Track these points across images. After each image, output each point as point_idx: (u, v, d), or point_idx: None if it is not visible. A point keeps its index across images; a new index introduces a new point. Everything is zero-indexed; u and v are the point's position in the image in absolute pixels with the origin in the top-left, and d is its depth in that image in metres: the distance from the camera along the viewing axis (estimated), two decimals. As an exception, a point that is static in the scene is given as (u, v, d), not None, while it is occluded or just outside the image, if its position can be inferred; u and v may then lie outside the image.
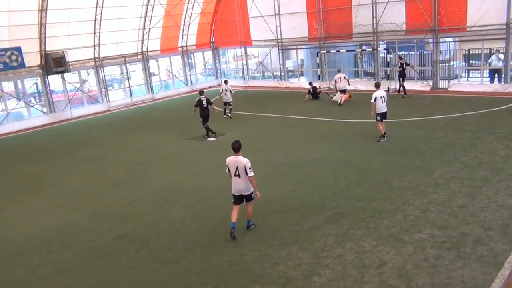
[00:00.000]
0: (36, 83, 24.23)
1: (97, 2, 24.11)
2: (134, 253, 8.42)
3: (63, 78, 24.78)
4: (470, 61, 22.86)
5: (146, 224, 9.73)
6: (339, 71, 22.33)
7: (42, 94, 24.59)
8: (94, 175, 13.90)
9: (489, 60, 21.51)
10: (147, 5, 26.97)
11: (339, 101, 21.14)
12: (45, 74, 23.72)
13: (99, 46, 25.65)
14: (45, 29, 22.61)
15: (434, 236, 7.78)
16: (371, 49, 24.44)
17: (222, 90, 20.58)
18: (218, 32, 32.34)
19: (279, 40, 28.16)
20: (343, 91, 21.29)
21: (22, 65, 22.32)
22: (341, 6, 24.57)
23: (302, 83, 28.52)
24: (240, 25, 29.92)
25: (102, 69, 26.44)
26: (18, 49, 21.97)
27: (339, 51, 25.73)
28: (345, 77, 21.43)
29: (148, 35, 28.19)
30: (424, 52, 23.54)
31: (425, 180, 10.43)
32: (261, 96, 26.65)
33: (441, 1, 21.04)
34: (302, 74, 30.33)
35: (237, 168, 8.29)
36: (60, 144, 18.92)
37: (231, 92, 20.54)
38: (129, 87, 28.27)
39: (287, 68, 29.90)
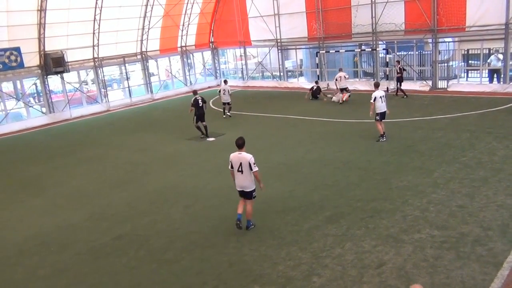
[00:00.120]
0: (35, 83, 24.21)
1: (96, 2, 24.10)
2: (133, 253, 8.42)
3: (62, 78, 24.76)
4: (469, 61, 22.87)
5: (146, 224, 9.73)
6: (340, 70, 22.44)
7: (41, 94, 24.57)
8: (93, 175, 13.90)
9: (488, 60, 21.52)
10: (146, 5, 26.96)
11: (339, 101, 21.28)
12: (44, 74, 23.71)
13: (98, 46, 25.63)
14: (44, 29, 22.59)
15: (433, 236, 7.79)
16: (370, 49, 24.46)
17: (220, 90, 20.62)
18: (217, 32, 32.34)
19: (278, 40, 28.16)
20: (344, 90, 21.44)
21: (21, 65, 22.30)
22: (340, 6, 24.57)
23: (302, 83, 28.57)
24: (239, 25, 29.91)
25: (101, 69, 26.42)
26: (17, 49, 21.95)
27: (338, 51, 25.74)
28: (345, 76, 21.55)
29: (147, 35, 28.18)
30: (423, 52, 23.55)
31: (424, 180, 10.44)
32: (260, 96, 26.64)
33: (440, 1, 21.05)
34: (301, 74, 30.34)
35: (240, 164, 8.37)
36: (59, 144, 18.91)
37: (229, 92, 20.61)
38: (128, 87, 28.26)
39: (286, 68, 29.90)
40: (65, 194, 12.37)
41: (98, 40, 25.36)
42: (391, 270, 6.88)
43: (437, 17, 21.29)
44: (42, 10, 22.03)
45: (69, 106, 25.22)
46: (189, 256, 8.09)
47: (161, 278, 7.45)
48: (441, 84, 22.44)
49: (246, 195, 8.66)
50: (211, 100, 25.84)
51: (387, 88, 21.42)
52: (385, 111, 13.97)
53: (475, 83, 21.77)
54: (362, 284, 6.64)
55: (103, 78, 26.64)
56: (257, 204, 9.47)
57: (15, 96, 23.65)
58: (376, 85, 14.29)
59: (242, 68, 32.23)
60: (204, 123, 16.96)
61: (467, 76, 23.09)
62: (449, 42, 22.99)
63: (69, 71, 24.20)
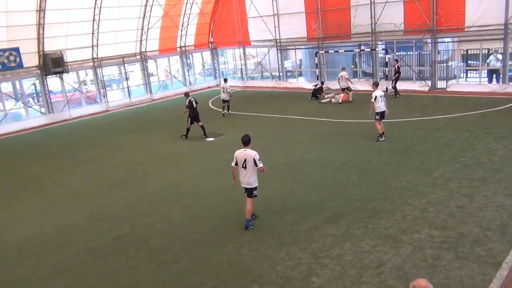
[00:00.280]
0: (34, 84, 24.20)
1: (96, 3, 24.08)
2: (133, 254, 8.42)
3: (61, 78, 24.75)
4: (469, 61, 22.88)
5: (145, 224, 9.73)
6: (343, 69, 22.52)
7: (40, 94, 24.54)
8: (92, 175, 13.89)
9: (488, 60, 21.54)
10: (146, 6, 26.94)
11: (338, 101, 21.35)
12: (43, 75, 23.69)
13: (97, 46, 25.61)
14: (43, 30, 22.57)
15: (432, 236, 7.79)
16: (369, 49, 24.47)
17: (221, 88, 20.83)
18: (217, 32, 32.33)
19: (278, 40, 28.17)
20: (345, 89, 21.57)
21: (20, 65, 22.27)
22: (339, 6, 24.57)
23: (301, 83, 28.57)
24: (238, 26, 29.91)
25: (100, 69, 26.41)
26: (16, 49, 21.91)
27: (338, 51, 25.76)
28: (346, 76, 21.65)
29: (147, 36, 28.16)
30: (423, 52, 23.58)
31: (423, 180, 10.45)
32: (259, 96, 26.64)
33: (440, 1, 21.07)
34: (300, 74, 30.33)
35: (245, 160, 8.56)
36: (58, 145, 18.90)
37: (228, 90, 20.73)
38: (128, 87, 28.25)
39: (285, 68, 29.89)
40: (64, 194, 12.37)
41: (97, 40, 25.34)
42: (390, 270, 6.88)
43: (436, 17, 21.31)
44: (41, 10, 22.00)
45: (68, 106, 25.19)
46: (189, 256, 8.09)
47: (161, 278, 7.45)
48: (440, 84, 22.46)
49: (248, 192, 8.77)
50: (210, 100, 25.88)
51: (387, 88, 21.44)
52: (384, 111, 14.00)
53: (474, 83, 21.78)
54: (361, 284, 6.64)
55: (102, 78, 26.61)
56: (256, 204, 9.48)
57: (14, 97, 23.63)
58: (376, 85, 14.32)
59: (241, 68, 32.22)
60: (200, 123, 17.00)
61: (466, 76, 23.09)
62: (448, 42, 23.02)
63: (68, 72, 24.19)
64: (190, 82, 31.88)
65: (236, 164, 8.75)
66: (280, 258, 7.63)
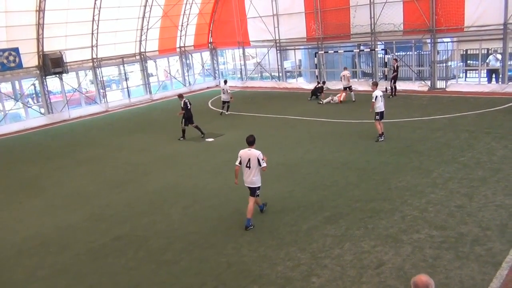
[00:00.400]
0: (34, 84, 24.18)
1: (95, 3, 24.07)
2: (132, 254, 8.42)
3: (61, 79, 24.74)
4: (468, 61, 22.90)
5: (145, 225, 9.72)
6: (345, 68, 22.57)
7: (40, 94, 24.54)
8: (92, 176, 13.89)
9: (487, 60, 21.56)
10: (145, 6, 26.94)
11: (337, 100, 21.38)
12: (42, 75, 23.68)
13: (97, 46, 25.60)
14: (42, 30, 22.57)
15: (432, 236, 7.80)
16: (369, 50, 24.48)
17: (221, 89, 20.90)
18: (216, 32, 32.34)
19: (277, 41, 28.17)
20: (348, 88, 21.66)
21: (19, 66, 22.26)
22: (339, 7, 24.59)
23: (301, 83, 28.58)
24: (238, 26, 29.92)
25: (100, 69, 26.40)
26: (16, 49, 21.91)
27: (337, 51, 25.76)
28: (347, 75, 21.76)
29: (146, 36, 28.16)
30: (422, 53, 23.59)
31: (423, 180, 10.45)
32: (259, 96, 26.64)
33: (439, 1, 21.09)
34: (300, 75, 30.34)
35: (248, 160, 8.67)
36: (58, 145, 18.89)
37: (228, 91, 20.83)
38: (127, 87, 28.24)
39: (285, 68, 29.90)
40: (64, 195, 12.36)
41: (96, 40, 25.33)
42: (390, 270, 6.88)
43: (436, 17, 21.33)
44: (40, 10, 22.00)
45: (67, 106, 25.19)
46: (188, 256, 8.09)
47: (160, 279, 7.45)
48: (440, 84, 22.48)
49: (251, 191, 8.88)
50: (210, 101, 25.88)
51: (386, 88, 21.46)
52: (383, 111, 14.02)
53: (473, 83, 21.80)
54: (361, 284, 6.64)
55: (101, 79, 26.61)
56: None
57: (13, 97, 23.62)
58: (376, 84, 14.35)
59: (241, 69, 32.22)
60: (194, 124, 17.05)
61: (466, 76, 23.11)
62: (447, 42, 23.03)
63: (67, 72, 24.18)
64: (189, 82, 31.88)
65: (240, 163, 8.83)
66: (280, 259, 7.62)
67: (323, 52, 26.11)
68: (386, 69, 23.46)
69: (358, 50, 25.43)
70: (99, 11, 24.45)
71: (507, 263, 6.74)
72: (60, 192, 12.67)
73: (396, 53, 23.55)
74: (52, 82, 25.08)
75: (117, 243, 8.98)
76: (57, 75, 24.12)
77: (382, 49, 23.80)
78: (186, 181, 12.35)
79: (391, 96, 21.15)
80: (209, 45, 32.97)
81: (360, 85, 24.44)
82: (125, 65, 28.10)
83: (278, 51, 28.63)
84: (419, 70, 23.62)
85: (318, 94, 22.96)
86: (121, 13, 25.89)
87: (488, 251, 7.13)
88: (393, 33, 22.88)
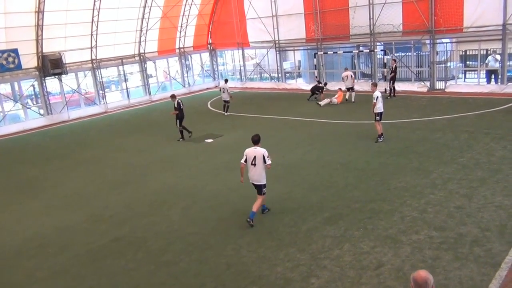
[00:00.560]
0: (33, 85, 24.17)
1: (94, 4, 24.07)
2: (131, 255, 8.41)
3: (60, 80, 24.73)
4: (467, 62, 22.92)
5: (144, 226, 9.71)
6: (346, 69, 22.58)
7: (39, 96, 24.53)
8: (91, 177, 13.88)
9: (486, 61, 21.58)
10: (144, 7, 26.94)
11: (337, 102, 21.43)
12: (42, 76, 23.67)
13: (96, 48, 25.61)
14: (42, 31, 22.57)
15: (431, 237, 7.80)
16: (368, 50, 24.49)
17: (220, 88, 20.85)
18: (216, 33, 32.35)
19: (277, 42, 28.19)
20: (350, 89, 21.70)
21: (19, 67, 22.25)
22: (338, 8, 24.61)
23: (300, 84, 28.58)
24: (237, 27, 29.94)
25: (99, 71, 26.40)
26: (15, 51, 21.91)
27: (336, 52, 25.78)
28: (351, 76, 21.79)
29: (146, 37, 28.16)
30: (421, 53, 23.61)
31: (422, 181, 10.46)
32: (258, 97, 26.65)
33: (438, 2, 21.11)
34: (299, 76, 30.35)
35: (254, 157, 8.88)
36: (57, 146, 18.88)
37: (228, 91, 20.86)
38: (126, 88, 28.24)
39: (284, 69, 29.91)
40: (63, 196, 12.35)
41: (96, 41, 25.33)
42: (390, 271, 6.88)
43: (435, 18, 21.34)
44: (40, 11, 22.00)
45: (67, 107, 25.19)
46: (188, 257, 8.08)
47: (160, 280, 7.44)
48: (439, 85, 22.49)
49: (257, 189, 9.08)
50: (209, 102, 25.88)
51: (385, 89, 21.47)
52: (383, 111, 14.04)
53: (472, 84, 21.82)
54: (360, 285, 6.64)
55: (101, 80, 26.60)
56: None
57: (12, 98, 23.61)
58: (375, 85, 14.37)
59: (240, 70, 32.23)
60: (182, 125, 17.10)
61: (465, 77, 23.14)
62: (446, 43, 23.05)
63: (67, 73, 24.17)
64: (189, 83, 31.88)
65: (245, 161, 9.01)
66: (279, 260, 7.62)
67: (322, 53, 26.12)
68: (385, 69, 23.48)
69: (357, 51, 25.44)
70: (99, 12, 24.44)
71: (506, 264, 6.74)
72: (59, 193, 12.66)
73: (395, 54, 23.56)
74: (51, 83, 25.09)
75: (116, 244, 8.98)
76: (56, 76, 24.11)
77: (381, 50, 23.82)
78: (186, 182, 12.34)
79: (389, 97, 21.16)
80: (209, 46, 32.98)
81: (360, 86, 24.44)
82: (124, 66, 28.08)
83: (277, 52, 28.65)
84: (418, 71, 23.63)
85: (317, 92, 22.93)
86: (121, 14, 25.90)
87: (487, 252, 7.13)
88: (392, 34, 22.90)
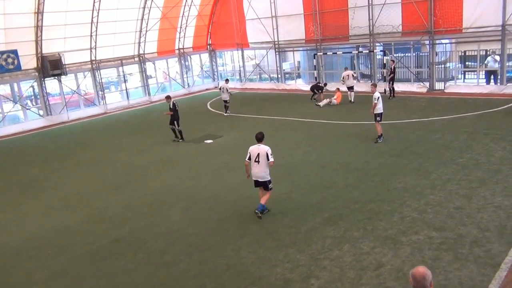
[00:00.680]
0: (32, 86, 24.16)
1: (94, 5, 24.06)
2: (131, 256, 8.40)
3: (59, 81, 24.73)
4: (466, 63, 22.94)
5: (144, 227, 9.71)
6: (346, 69, 22.60)
7: (38, 96, 24.52)
8: (91, 177, 13.87)
9: (485, 62, 21.60)
10: (144, 8, 26.94)
11: (337, 102, 21.47)
12: (41, 77, 23.66)
13: (95, 48, 25.59)
14: (41, 32, 22.56)
15: (431, 237, 7.80)
16: (367, 51, 24.50)
17: (220, 88, 20.90)
18: (215, 34, 32.35)
19: (276, 42, 28.20)
20: (351, 88, 21.73)
21: (18, 68, 22.24)
22: (337, 8, 24.62)
23: (299, 85, 28.59)
24: (236, 28, 29.94)
25: (98, 71, 26.39)
26: (14, 51, 21.89)
27: (336, 53, 25.79)
28: (353, 75, 21.96)
29: (145, 38, 28.15)
30: (421, 54, 23.63)
31: (422, 181, 10.46)
32: (258, 98, 26.66)
33: (437, 3, 21.12)
34: (299, 76, 30.36)
35: (258, 155, 9.11)
36: (56, 147, 18.87)
37: (227, 91, 20.90)
38: (126, 89, 28.23)
39: (284, 70, 29.91)
40: (62, 197, 12.34)
41: (95, 42, 25.33)
42: (389, 272, 6.88)
43: (434, 18, 21.36)
44: (39, 12, 21.99)
45: (66, 108, 25.18)
46: (187, 258, 8.07)
47: (159, 281, 7.44)
48: (438, 85, 22.50)
49: (263, 185, 9.32)
50: (209, 102, 25.89)
51: (384, 90, 21.48)
52: (382, 112, 14.06)
53: (472, 84, 21.84)
54: (360, 286, 6.64)
55: (100, 81, 26.59)
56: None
57: (12, 99, 23.59)
58: (375, 85, 14.39)
59: (240, 70, 32.24)
60: (171, 126, 17.12)
61: (464, 78, 23.16)
62: (446, 43, 23.06)
63: (66, 74, 24.16)
64: (188, 84, 31.87)
65: (249, 158, 9.21)
66: (279, 260, 7.62)
67: (322, 53, 26.13)
68: (384, 70, 23.50)
69: (356, 52, 25.45)
70: (98, 13, 24.42)
71: (506, 265, 6.74)
72: (58, 194, 12.66)
73: (394, 55, 23.58)
74: (51, 84, 25.07)
75: (116, 245, 8.97)
76: (56, 77, 24.09)
77: (380, 51, 23.84)
78: (185, 183, 12.34)
79: (390, 98, 21.17)
80: (208, 46, 32.98)
81: (359, 87, 24.45)
82: (124, 67, 28.07)
83: (277, 53, 28.64)
84: (417, 71, 23.64)
85: (316, 92, 22.90)
86: (120, 15, 25.89)
87: (487, 252, 7.13)
88: (392, 35, 22.91)
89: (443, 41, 22.66)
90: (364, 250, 7.63)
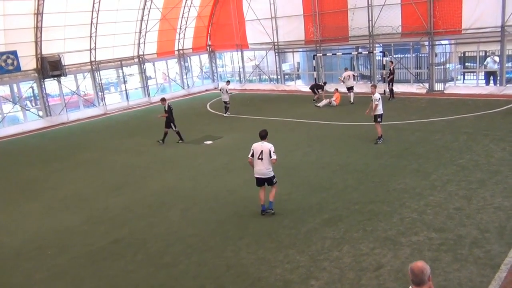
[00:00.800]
0: (32, 87, 24.15)
1: (93, 6, 24.07)
2: (131, 257, 8.39)
3: (59, 81, 24.72)
4: (466, 64, 22.96)
5: (143, 228, 9.70)
6: (346, 69, 22.62)
7: (38, 97, 24.51)
8: (90, 178, 13.86)
9: (485, 63, 21.61)
10: (144, 9, 26.94)
11: (336, 103, 21.47)
12: (41, 78, 23.65)
13: (95, 49, 25.59)
14: (41, 33, 22.56)
15: (431, 238, 7.80)
16: (367, 52, 24.52)
17: (221, 89, 20.96)
18: (215, 35, 32.35)
19: (276, 43, 28.21)
20: (350, 89, 21.73)
21: (18, 68, 22.24)
22: (337, 9, 24.64)
23: (299, 86, 28.59)
24: (236, 29, 29.95)
25: (98, 72, 26.39)
26: (14, 52, 21.89)
27: (335, 54, 25.80)
28: (353, 75, 21.94)
29: (145, 39, 28.15)
30: (420, 55, 23.65)
31: (421, 182, 10.46)
32: (257, 99, 26.66)
33: (437, 4, 21.15)
34: (298, 77, 30.38)
35: (261, 152, 9.20)
36: (56, 148, 18.86)
37: (227, 92, 20.95)
38: (126, 90, 28.23)
39: (283, 71, 29.92)
40: (62, 198, 12.33)
41: (95, 43, 25.33)
42: (389, 273, 6.88)
43: (434, 19, 21.38)
44: (39, 13, 21.98)
45: (66, 109, 25.17)
46: (187, 259, 8.07)
47: (159, 282, 7.43)
48: (438, 86, 22.52)
49: (267, 181, 9.44)
50: (208, 103, 25.89)
51: (384, 91, 21.49)
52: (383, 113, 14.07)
53: (471, 85, 21.85)
54: (360, 286, 6.64)
55: (100, 82, 26.59)
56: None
57: (11, 100, 23.59)
58: (375, 86, 14.40)
59: (239, 71, 32.24)
60: (166, 129, 17.14)
61: (464, 79, 23.18)
62: (445, 44, 23.08)
63: (66, 75, 24.16)
64: (188, 85, 31.87)
65: (252, 155, 9.29)
66: (279, 261, 7.61)
67: (321, 54, 26.14)
68: (384, 71, 23.51)
69: (356, 53, 25.47)
70: (98, 14, 24.42)
71: (506, 265, 6.74)
72: (58, 194, 12.64)
73: (394, 56, 23.60)
74: (51, 85, 25.07)
75: (115, 246, 8.96)
76: (56, 78, 24.09)
77: (380, 52, 23.83)
78: (185, 184, 12.34)
79: (390, 99, 21.17)
80: (208, 47, 33.00)
81: (358, 88, 24.46)
82: (123, 68, 28.08)
83: (276, 54, 28.65)
84: (417, 72, 23.65)
85: (316, 91, 22.88)
86: (120, 16, 25.89)
87: (487, 253, 7.13)
88: (391, 36, 22.93)
89: (442, 42, 22.69)
90: (364, 251, 7.63)
